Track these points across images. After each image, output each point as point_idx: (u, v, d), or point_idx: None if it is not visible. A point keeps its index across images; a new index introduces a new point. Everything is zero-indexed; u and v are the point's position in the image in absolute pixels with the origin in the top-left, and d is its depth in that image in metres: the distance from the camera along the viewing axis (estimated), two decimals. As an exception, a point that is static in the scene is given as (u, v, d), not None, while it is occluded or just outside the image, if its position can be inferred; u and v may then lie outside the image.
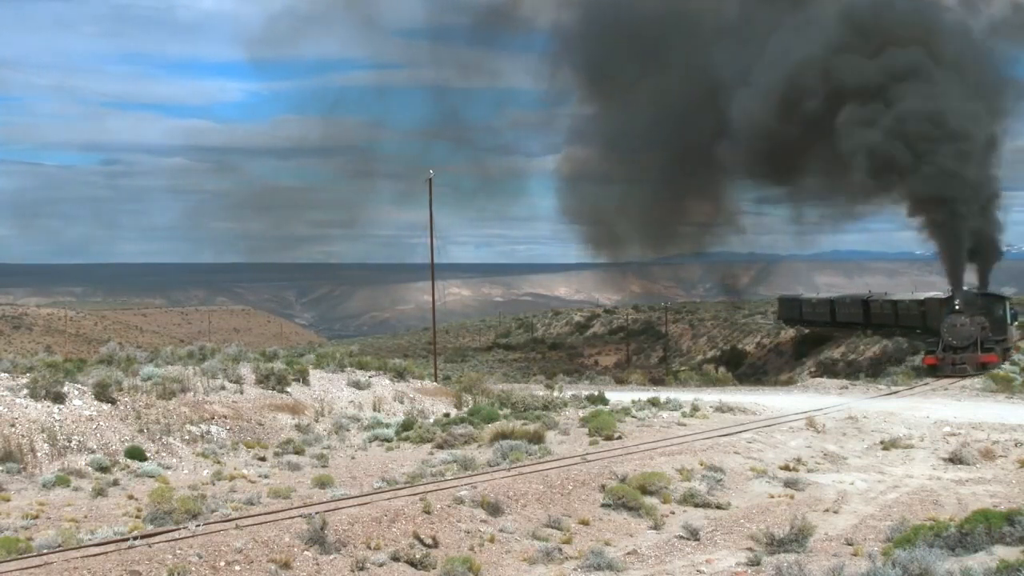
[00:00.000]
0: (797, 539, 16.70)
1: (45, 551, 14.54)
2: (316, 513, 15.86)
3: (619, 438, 25.87)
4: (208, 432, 25.23)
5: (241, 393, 28.27)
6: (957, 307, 46.79)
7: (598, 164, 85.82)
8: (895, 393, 38.52)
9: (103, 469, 21.76)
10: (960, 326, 45.46)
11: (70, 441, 22.65)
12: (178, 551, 14.27)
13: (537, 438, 24.71)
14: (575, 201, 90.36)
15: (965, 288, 50.47)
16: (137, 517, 17.64)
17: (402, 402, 31.72)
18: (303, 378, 30.62)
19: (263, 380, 29.47)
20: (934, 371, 44.61)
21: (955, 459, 24.85)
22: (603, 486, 19.83)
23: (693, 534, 17.82)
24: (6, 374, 25.70)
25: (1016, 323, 51.49)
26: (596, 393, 35.21)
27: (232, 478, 21.67)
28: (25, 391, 23.80)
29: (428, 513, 17.01)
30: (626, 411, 30.45)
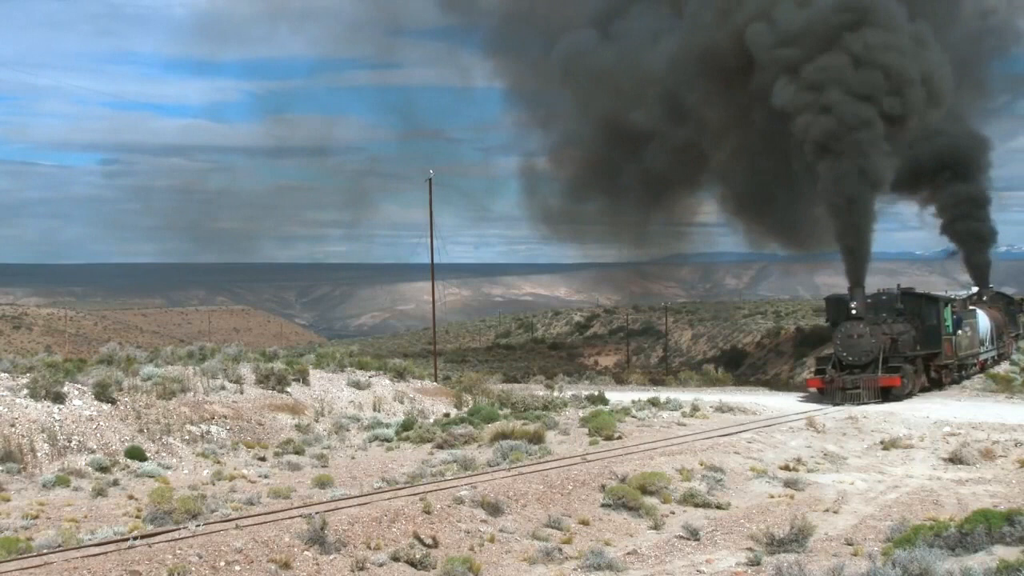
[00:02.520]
0: (797, 539, 16.70)
1: (45, 551, 14.54)
2: (316, 513, 15.86)
3: (619, 438, 25.87)
4: (208, 432, 25.23)
5: (241, 393, 28.28)
6: (854, 311, 35.28)
7: (551, 164, 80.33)
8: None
9: (103, 469, 21.77)
10: (857, 337, 34.61)
11: (70, 441, 22.65)
12: (178, 551, 14.27)
13: (537, 438, 24.73)
14: (538, 200, 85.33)
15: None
16: (137, 517, 17.64)
17: (402, 402, 31.72)
18: (303, 378, 30.63)
19: (263, 380, 29.49)
20: (821, 396, 35.22)
21: (955, 459, 24.85)
22: (603, 486, 19.83)
23: (693, 534, 17.82)
24: (6, 374, 25.70)
25: (960, 332, 39.97)
26: (596, 393, 35.24)
27: (232, 478, 21.67)
28: (25, 391, 23.80)
29: (428, 513, 17.01)
30: (626, 411, 30.47)
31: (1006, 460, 24.73)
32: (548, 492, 19.23)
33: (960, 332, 39.85)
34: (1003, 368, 44.36)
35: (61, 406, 23.65)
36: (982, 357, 44.28)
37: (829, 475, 23.50)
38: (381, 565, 15.13)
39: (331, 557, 15.05)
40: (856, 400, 33.33)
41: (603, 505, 19.16)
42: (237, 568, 14.24)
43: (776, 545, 16.64)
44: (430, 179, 41.37)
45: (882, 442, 27.14)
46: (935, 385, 38.48)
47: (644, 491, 19.65)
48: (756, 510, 20.05)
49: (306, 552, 15.01)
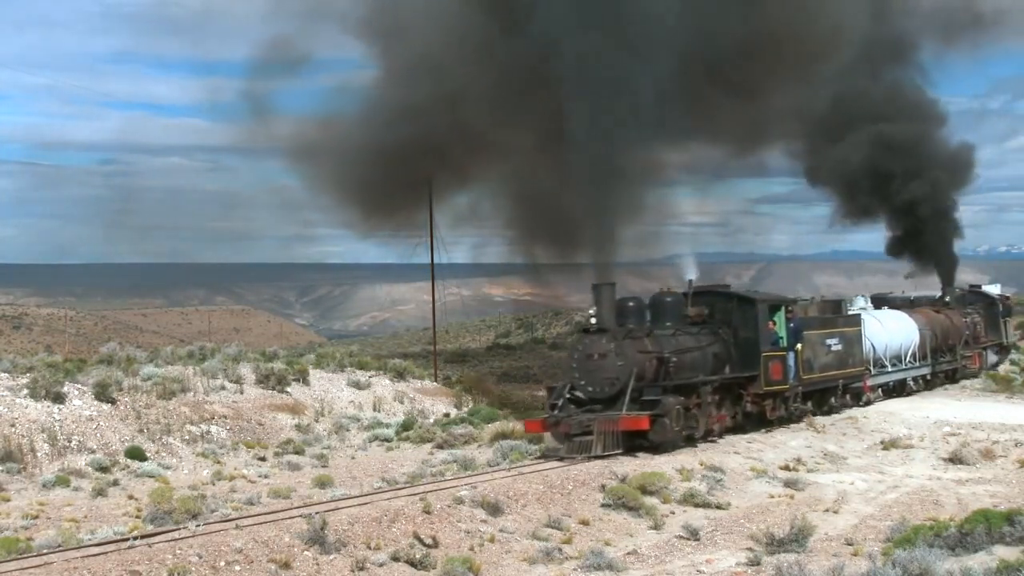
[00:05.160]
0: (797, 539, 16.69)
1: (45, 551, 14.55)
2: (316, 513, 15.85)
3: (619, 438, 25.80)
4: (208, 432, 25.24)
5: (241, 393, 28.30)
6: (593, 319, 23.69)
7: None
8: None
9: (103, 469, 21.79)
10: (598, 358, 22.82)
11: (70, 441, 22.66)
12: (178, 551, 14.26)
13: (537, 438, 24.70)
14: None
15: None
16: (137, 517, 17.65)
17: (402, 402, 31.74)
18: (303, 378, 30.65)
19: (263, 380, 29.51)
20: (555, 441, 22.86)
21: (955, 459, 24.83)
22: (603, 486, 19.82)
23: (693, 534, 17.81)
24: (6, 374, 25.71)
25: (809, 347, 28.23)
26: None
27: (232, 478, 21.68)
28: (25, 391, 23.82)
29: (428, 513, 17.00)
30: (626, 411, 30.42)
31: (1006, 460, 24.71)
32: (548, 492, 19.22)
33: (809, 347, 28.39)
34: (1003, 368, 44.09)
35: (61, 406, 23.66)
36: (878, 379, 33.23)
37: (829, 475, 23.48)
38: (381, 565, 15.12)
39: (331, 557, 15.05)
40: (587, 451, 21.78)
41: (603, 505, 19.15)
42: (237, 568, 14.23)
43: (776, 545, 16.62)
44: (429, 179, 41.23)
45: (882, 442, 27.12)
46: (758, 423, 26.71)
47: (644, 491, 19.64)
48: (756, 510, 20.04)
49: (306, 552, 15.01)
